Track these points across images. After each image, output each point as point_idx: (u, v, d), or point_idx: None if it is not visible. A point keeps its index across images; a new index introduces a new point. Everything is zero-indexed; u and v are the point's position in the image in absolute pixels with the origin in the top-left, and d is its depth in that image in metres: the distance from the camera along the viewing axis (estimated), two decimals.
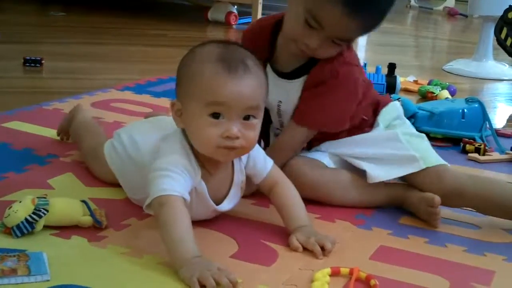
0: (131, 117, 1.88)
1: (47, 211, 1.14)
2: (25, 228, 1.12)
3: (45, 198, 1.17)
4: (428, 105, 2.04)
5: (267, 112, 1.44)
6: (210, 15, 4.07)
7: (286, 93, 1.39)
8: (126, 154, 1.32)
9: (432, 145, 1.46)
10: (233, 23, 4.00)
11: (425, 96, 2.49)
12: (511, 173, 1.72)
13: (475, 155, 1.81)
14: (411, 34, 4.65)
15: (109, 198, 1.34)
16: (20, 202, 1.15)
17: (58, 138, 1.66)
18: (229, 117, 1.11)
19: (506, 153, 1.84)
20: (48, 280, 1.00)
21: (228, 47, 1.16)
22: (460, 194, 1.35)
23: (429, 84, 2.62)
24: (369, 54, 3.67)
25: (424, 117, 1.94)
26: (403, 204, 1.40)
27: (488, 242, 1.29)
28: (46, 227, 1.15)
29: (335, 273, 1.09)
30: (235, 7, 4.11)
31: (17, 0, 4.18)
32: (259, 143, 1.50)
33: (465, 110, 1.96)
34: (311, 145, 1.45)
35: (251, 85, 1.12)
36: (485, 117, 1.96)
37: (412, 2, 6.12)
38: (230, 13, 4.00)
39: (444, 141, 1.92)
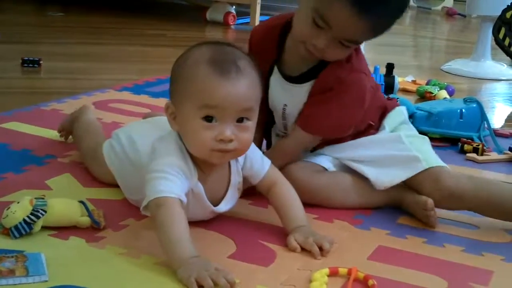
0: (130, 117, 1.88)
1: (45, 211, 1.14)
2: (23, 229, 1.12)
3: (43, 198, 1.17)
4: (426, 105, 2.04)
5: (271, 113, 1.44)
6: (209, 15, 4.07)
7: (292, 97, 1.39)
8: (124, 154, 1.32)
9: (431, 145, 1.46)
10: (231, 23, 4.00)
11: (423, 96, 2.49)
12: (509, 173, 1.72)
13: (473, 155, 1.81)
14: (409, 34, 4.65)
15: (107, 198, 1.34)
16: (18, 203, 1.15)
17: (58, 137, 1.65)
18: (222, 120, 1.11)
19: (504, 153, 1.84)
20: (46, 281, 1.00)
21: (220, 49, 1.15)
22: (460, 197, 1.33)
23: (427, 84, 2.62)
24: (368, 54, 3.65)
25: (422, 117, 1.94)
26: (401, 205, 1.40)
27: (486, 242, 1.29)
28: (44, 227, 1.15)
29: (333, 273, 1.09)
30: (233, 7, 4.11)
31: (16, 0, 4.18)
32: (260, 143, 1.50)
33: (463, 110, 1.97)
34: (314, 148, 1.44)
35: (243, 87, 1.11)
36: (483, 117, 1.96)
37: (411, 2, 6.11)
38: (228, 13, 4.00)
39: (442, 141, 1.92)
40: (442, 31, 5.28)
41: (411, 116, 1.92)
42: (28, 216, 1.12)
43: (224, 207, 1.24)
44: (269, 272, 1.10)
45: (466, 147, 1.85)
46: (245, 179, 1.26)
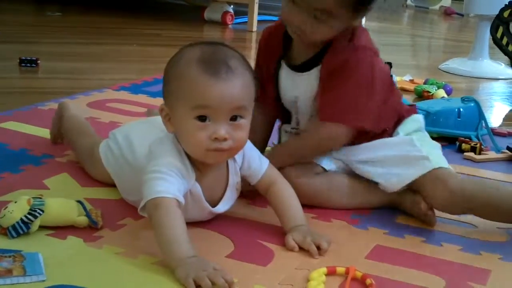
0: (127, 117, 1.87)
1: (43, 211, 1.14)
2: (21, 229, 1.12)
3: (40, 198, 1.17)
4: (424, 104, 2.04)
5: (280, 111, 1.44)
6: (207, 14, 4.07)
7: (302, 87, 1.39)
8: (121, 155, 1.31)
9: None
10: (229, 22, 4.00)
11: (421, 95, 2.49)
12: (507, 172, 1.72)
13: (471, 154, 1.81)
14: (407, 33, 4.66)
15: (104, 198, 1.34)
16: (15, 202, 1.15)
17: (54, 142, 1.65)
18: (215, 119, 1.11)
19: (502, 152, 1.84)
20: (43, 281, 1.00)
21: (211, 48, 1.15)
22: (464, 198, 1.30)
23: (425, 83, 2.63)
24: None
25: None
26: (399, 206, 1.39)
27: (484, 241, 1.29)
28: (41, 227, 1.15)
29: (331, 273, 1.09)
30: (231, 6, 4.11)
31: (14, 0, 4.18)
32: (266, 142, 1.49)
33: (461, 109, 1.97)
34: None
35: (235, 86, 1.11)
36: (481, 116, 1.96)
37: (409, 2, 6.13)
38: (226, 12, 4.00)
39: (440, 140, 1.91)
40: (440, 30, 5.28)
41: None
42: (25, 216, 1.12)
43: (222, 207, 1.24)
44: (267, 271, 1.10)
45: (464, 146, 1.85)
46: (243, 179, 1.25)
